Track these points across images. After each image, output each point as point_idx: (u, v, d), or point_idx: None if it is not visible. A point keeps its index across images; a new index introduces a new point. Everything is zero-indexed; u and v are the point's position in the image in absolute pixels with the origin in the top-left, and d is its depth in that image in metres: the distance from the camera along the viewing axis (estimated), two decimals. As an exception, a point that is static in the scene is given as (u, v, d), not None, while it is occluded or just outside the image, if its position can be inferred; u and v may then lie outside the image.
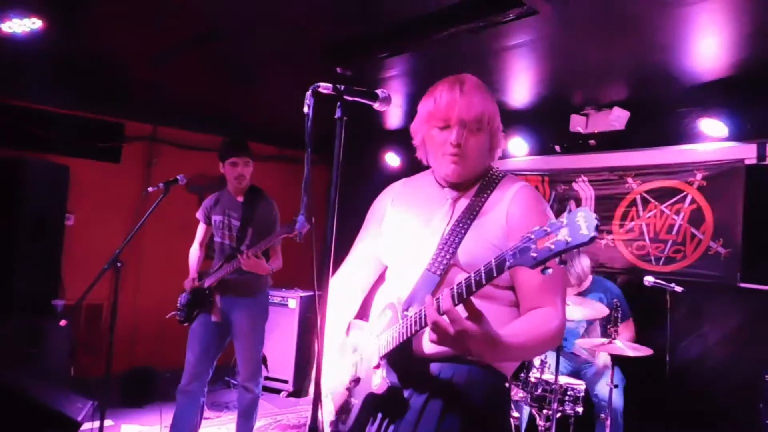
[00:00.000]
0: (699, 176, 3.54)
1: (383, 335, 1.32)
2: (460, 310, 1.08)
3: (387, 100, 1.31)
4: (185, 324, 3.01)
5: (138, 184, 4.73)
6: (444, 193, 1.40)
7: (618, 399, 3.15)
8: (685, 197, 3.61)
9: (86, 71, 3.95)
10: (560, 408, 2.95)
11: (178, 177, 2.87)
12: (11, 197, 3.82)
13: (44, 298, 3.94)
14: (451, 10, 2.50)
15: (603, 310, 3.08)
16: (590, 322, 3.45)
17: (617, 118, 3.62)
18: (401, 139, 1.31)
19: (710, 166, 3.51)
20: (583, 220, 0.91)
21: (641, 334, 3.39)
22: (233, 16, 2.79)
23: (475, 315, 1.07)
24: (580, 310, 3.07)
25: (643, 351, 2.89)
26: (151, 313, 3.10)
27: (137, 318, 4.60)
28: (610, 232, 3.95)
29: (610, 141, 3.85)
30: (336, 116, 1.24)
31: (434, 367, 1.29)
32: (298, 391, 4.51)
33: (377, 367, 1.32)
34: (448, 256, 1.28)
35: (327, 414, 1.44)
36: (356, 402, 1.36)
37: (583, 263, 3.43)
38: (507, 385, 1.37)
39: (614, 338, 2.92)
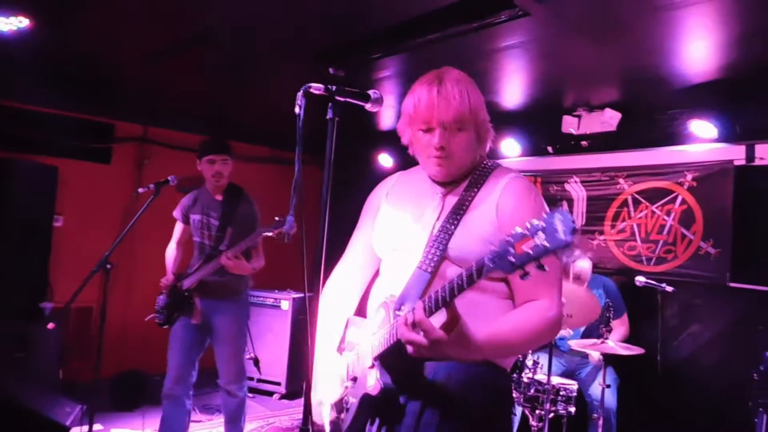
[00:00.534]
0: (689, 177, 3.57)
1: (376, 335, 1.32)
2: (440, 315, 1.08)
3: (379, 101, 1.30)
4: (165, 327, 2.94)
5: (128, 185, 4.68)
6: (435, 187, 1.40)
7: (611, 399, 3.16)
8: (675, 198, 3.64)
9: (75, 71, 3.90)
10: (553, 408, 2.95)
11: (169, 178, 2.84)
12: (-1, 198, 3.78)
13: (32, 301, 3.89)
14: (444, 11, 2.50)
15: (598, 308, 3.09)
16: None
17: (609, 120, 3.64)
18: (394, 139, 1.30)
19: (700, 167, 3.54)
20: (561, 223, 0.89)
21: (633, 334, 3.41)
22: (224, 17, 2.77)
23: (453, 320, 1.07)
24: (577, 316, 3.07)
25: (635, 350, 2.91)
26: (141, 315, 3.06)
27: (127, 321, 4.55)
28: (602, 233, 3.97)
29: (601, 142, 3.87)
30: (327, 117, 1.24)
31: (429, 369, 1.27)
32: (291, 393, 4.50)
33: (371, 367, 1.31)
34: (438, 253, 1.28)
35: (326, 414, 1.42)
36: (354, 401, 1.35)
37: (583, 265, 3.44)
38: (509, 381, 1.35)
39: (606, 338, 2.93)
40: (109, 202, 4.59)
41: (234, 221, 2.92)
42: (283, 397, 4.50)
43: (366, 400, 1.31)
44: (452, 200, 1.35)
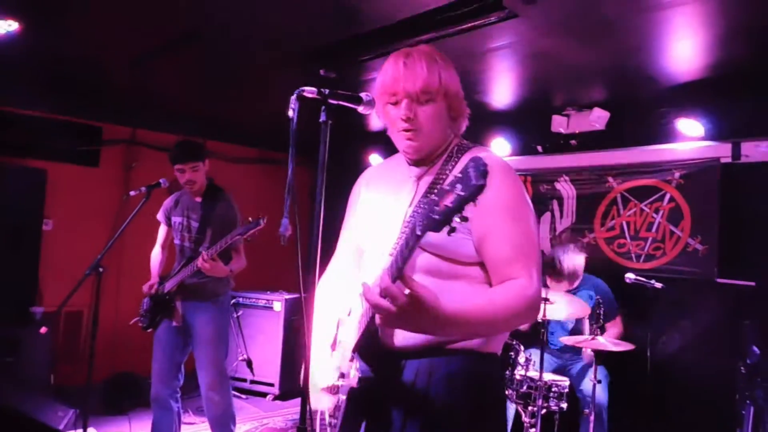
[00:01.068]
0: (677, 175, 3.62)
1: (354, 326, 1.31)
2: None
3: (371, 103, 1.31)
4: (149, 330, 2.93)
5: (117, 187, 4.65)
6: (411, 170, 1.36)
7: (602, 394, 3.20)
8: (663, 195, 3.68)
9: (63, 74, 3.87)
10: (545, 404, 2.99)
11: (160, 181, 2.82)
12: (-14, 202, 3.75)
13: (21, 305, 3.85)
14: (434, 13, 2.52)
15: (587, 309, 3.14)
16: (579, 318, 3.50)
17: (597, 119, 3.68)
18: (385, 140, 1.31)
19: (687, 164, 3.58)
20: (473, 170, 0.92)
21: (622, 330, 3.46)
22: (213, 18, 2.76)
23: (419, 290, 1.05)
24: (566, 309, 3.12)
25: (625, 346, 2.95)
26: (131, 319, 3.04)
27: (118, 324, 4.52)
28: (591, 231, 4.01)
29: (590, 141, 3.91)
30: (321, 120, 1.24)
31: (409, 369, 1.23)
32: (285, 394, 4.49)
33: (352, 360, 1.31)
34: None
35: (325, 404, 1.42)
36: (344, 398, 1.36)
37: (576, 261, 3.47)
38: (496, 366, 1.31)
39: (596, 335, 2.97)
40: (97, 205, 4.56)
41: (213, 222, 2.89)
42: (276, 398, 4.49)
43: (351, 394, 1.31)
44: (426, 182, 1.31)
